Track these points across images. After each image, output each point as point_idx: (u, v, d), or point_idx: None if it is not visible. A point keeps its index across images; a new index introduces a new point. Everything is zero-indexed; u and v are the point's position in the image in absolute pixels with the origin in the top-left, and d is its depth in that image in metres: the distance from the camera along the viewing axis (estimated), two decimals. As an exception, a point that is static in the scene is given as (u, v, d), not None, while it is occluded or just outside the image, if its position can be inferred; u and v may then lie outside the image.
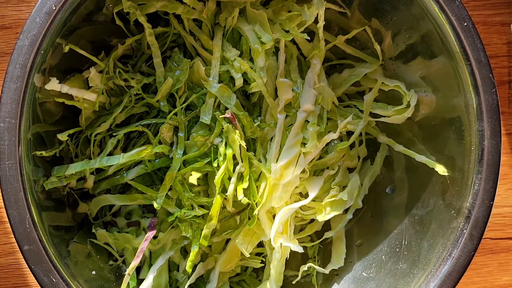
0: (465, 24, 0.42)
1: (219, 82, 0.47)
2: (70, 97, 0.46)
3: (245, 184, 0.46)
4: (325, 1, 0.47)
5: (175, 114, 0.47)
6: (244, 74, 0.48)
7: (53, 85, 0.43)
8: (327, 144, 0.49)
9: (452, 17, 0.42)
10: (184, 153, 0.47)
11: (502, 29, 0.52)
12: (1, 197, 0.40)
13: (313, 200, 0.48)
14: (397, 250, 0.48)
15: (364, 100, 0.49)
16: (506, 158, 0.55)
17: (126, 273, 0.46)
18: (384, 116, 0.49)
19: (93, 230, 0.49)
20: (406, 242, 0.47)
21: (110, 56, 0.48)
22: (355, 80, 0.49)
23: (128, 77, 0.48)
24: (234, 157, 0.46)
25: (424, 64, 0.45)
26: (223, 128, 0.46)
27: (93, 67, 0.47)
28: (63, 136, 0.45)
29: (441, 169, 0.45)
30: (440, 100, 0.45)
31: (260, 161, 0.48)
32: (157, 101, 0.48)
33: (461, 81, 0.42)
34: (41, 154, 0.43)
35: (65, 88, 0.45)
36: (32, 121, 0.42)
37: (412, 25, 0.45)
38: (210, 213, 0.46)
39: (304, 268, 0.49)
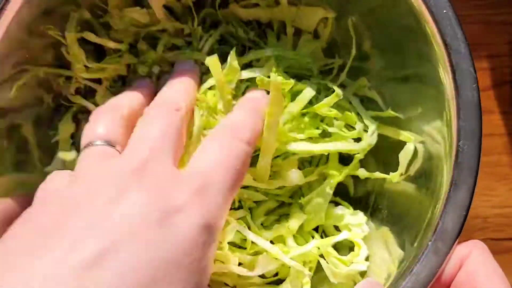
0: (445, 11, 0.38)
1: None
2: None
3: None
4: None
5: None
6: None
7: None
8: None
9: (431, 3, 0.38)
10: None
11: (504, 28, 0.50)
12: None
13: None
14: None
15: None
16: (508, 159, 0.52)
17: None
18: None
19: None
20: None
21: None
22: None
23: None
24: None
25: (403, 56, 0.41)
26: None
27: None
28: None
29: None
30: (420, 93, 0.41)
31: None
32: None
33: (441, 72, 0.38)
34: None
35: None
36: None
37: (390, 14, 0.41)
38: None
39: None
